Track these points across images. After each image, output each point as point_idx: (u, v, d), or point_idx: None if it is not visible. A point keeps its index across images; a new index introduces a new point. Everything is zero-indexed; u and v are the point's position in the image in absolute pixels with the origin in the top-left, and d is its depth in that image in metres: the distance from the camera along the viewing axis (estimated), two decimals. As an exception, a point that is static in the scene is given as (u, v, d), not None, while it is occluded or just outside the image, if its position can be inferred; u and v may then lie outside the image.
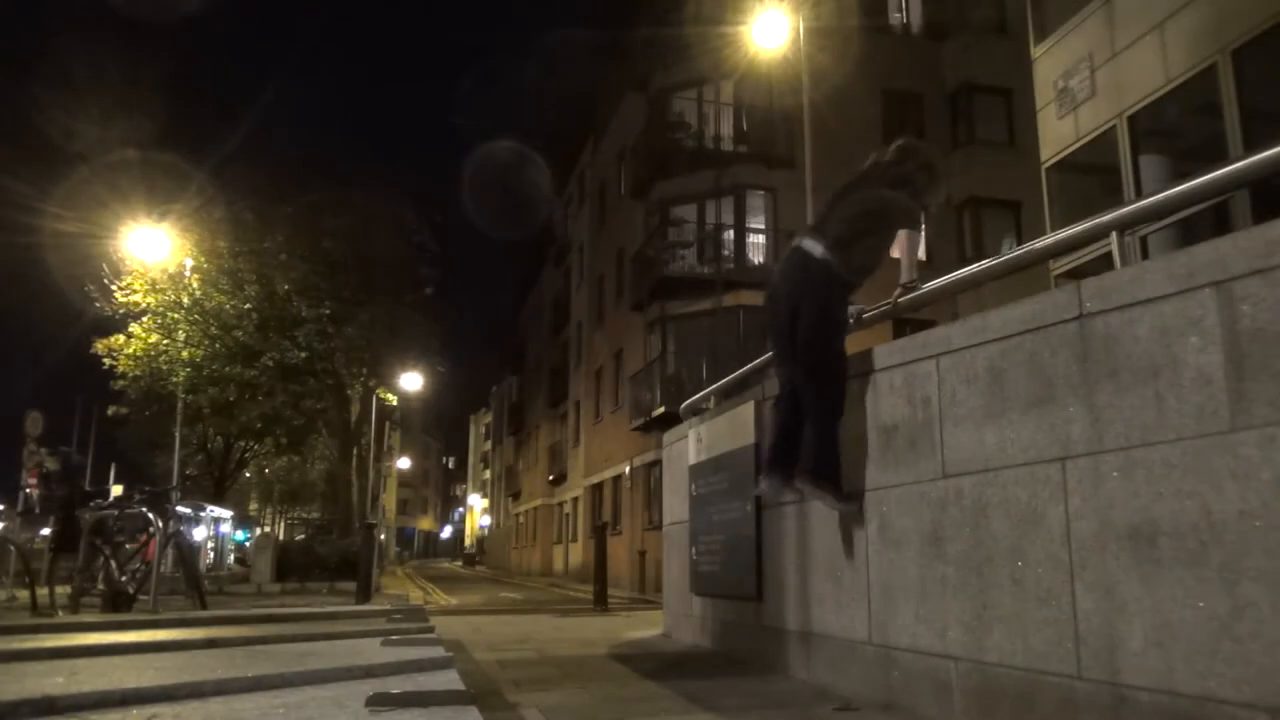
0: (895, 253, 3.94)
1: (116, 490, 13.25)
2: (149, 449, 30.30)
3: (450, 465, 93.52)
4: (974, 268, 3.89)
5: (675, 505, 6.58)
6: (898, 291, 3.98)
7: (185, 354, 19.27)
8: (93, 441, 33.74)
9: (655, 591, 14.40)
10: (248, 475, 36.66)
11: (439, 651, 3.80)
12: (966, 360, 3.20)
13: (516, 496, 43.12)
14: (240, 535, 31.70)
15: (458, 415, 78.40)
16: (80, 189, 19.00)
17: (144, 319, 19.71)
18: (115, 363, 19.91)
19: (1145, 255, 6.84)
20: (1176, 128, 9.81)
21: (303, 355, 19.80)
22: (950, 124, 20.83)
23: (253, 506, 47.88)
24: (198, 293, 19.69)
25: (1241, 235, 2.34)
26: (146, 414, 23.23)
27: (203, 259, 19.61)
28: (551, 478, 33.95)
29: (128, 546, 8.01)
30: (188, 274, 19.46)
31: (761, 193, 20.41)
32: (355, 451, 24.12)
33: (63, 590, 7.95)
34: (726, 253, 20.36)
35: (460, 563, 60.65)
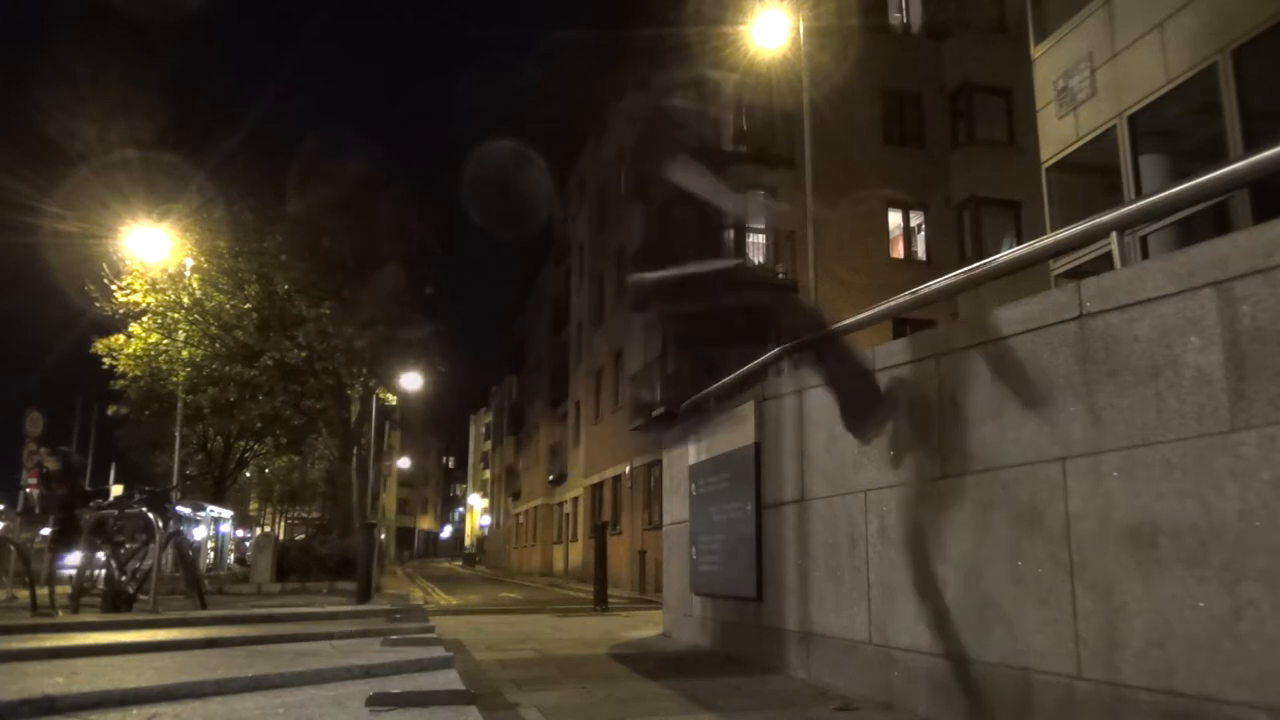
0: None
1: (116, 490, 13.24)
2: (149, 449, 30.27)
3: (450, 465, 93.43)
4: (974, 268, 3.89)
5: (675, 505, 6.58)
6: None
7: (185, 354, 19.26)
8: (93, 441, 33.72)
9: (655, 591, 14.39)
10: (248, 475, 36.64)
11: (439, 651, 3.81)
12: (966, 360, 3.20)
13: (516, 496, 43.10)
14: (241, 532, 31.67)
15: (458, 415, 78.33)
16: (80, 189, 18.98)
17: (144, 319, 19.70)
18: (115, 363, 19.91)
19: (1145, 255, 6.84)
20: (1176, 128, 9.80)
21: (303, 355, 19.79)
22: (950, 124, 20.82)
23: (253, 506, 47.85)
24: (198, 292, 19.67)
25: (1241, 235, 2.34)
26: (146, 414, 23.21)
27: (203, 259, 19.59)
28: (551, 478, 33.94)
29: (128, 546, 8.01)
30: (188, 274, 19.45)
31: (761, 193, 20.40)
32: (355, 451, 24.10)
33: (63, 590, 7.94)
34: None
35: (460, 563, 60.60)
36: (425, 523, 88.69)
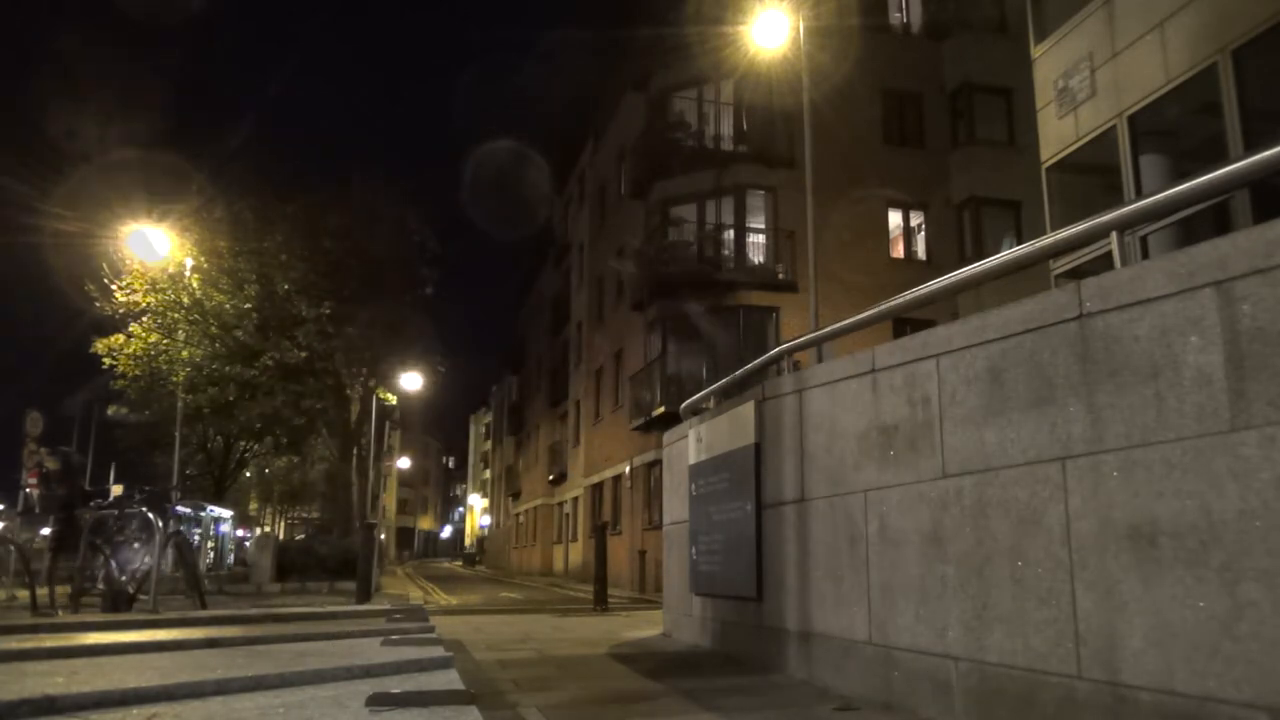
0: None
1: (116, 490, 13.24)
2: (149, 449, 30.26)
3: (450, 465, 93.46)
4: (974, 268, 3.89)
5: (675, 505, 6.58)
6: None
7: (185, 354, 19.26)
8: (93, 441, 33.70)
9: (655, 591, 14.39)
10: (248, 475, 36.63)
11: (439, 651, 3.81)
12: (966, 360, 3.20)
13: (516, 496, 43.10)
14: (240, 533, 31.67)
15: (458, 415, 78.36)
16: (80, 189, 19.00)
17: (144, 319, 19.70)
18: (115, 363, 19.91)
19: (1145, 255, 6.83)
20: (1176, 128, 9.80)
21: (303, 355, 19.79)
22: (950, 124, 20.83)
23: (253, 506, 47.83)
24: (198, 292, 19.68)
25: (1241, 235, 2.34)
26: (146, 414, 23.20)
27: (203, 259, 19.60)
28: (551, 478, 33.93)
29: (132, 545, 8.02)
30: (188, 274, 19.46)
31: (761, 192, 20.41)
32: (355, 451, 24.10)
33: (63, 590, 7.94)
34: (726, 252, 20.36)
35: (460, 563, 60.61)
36: (425, 523, 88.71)
